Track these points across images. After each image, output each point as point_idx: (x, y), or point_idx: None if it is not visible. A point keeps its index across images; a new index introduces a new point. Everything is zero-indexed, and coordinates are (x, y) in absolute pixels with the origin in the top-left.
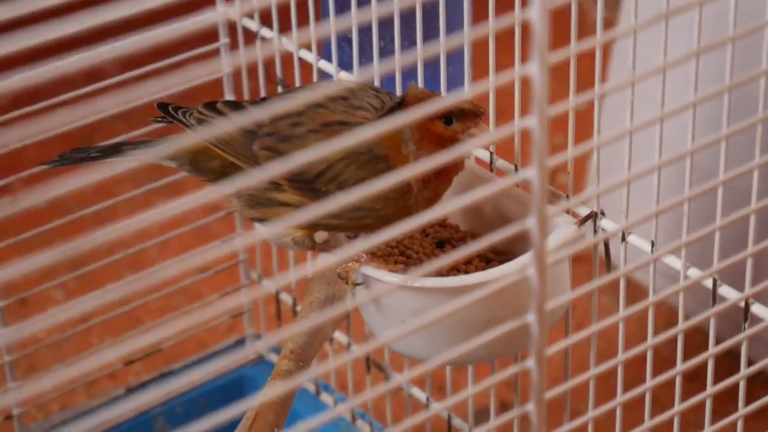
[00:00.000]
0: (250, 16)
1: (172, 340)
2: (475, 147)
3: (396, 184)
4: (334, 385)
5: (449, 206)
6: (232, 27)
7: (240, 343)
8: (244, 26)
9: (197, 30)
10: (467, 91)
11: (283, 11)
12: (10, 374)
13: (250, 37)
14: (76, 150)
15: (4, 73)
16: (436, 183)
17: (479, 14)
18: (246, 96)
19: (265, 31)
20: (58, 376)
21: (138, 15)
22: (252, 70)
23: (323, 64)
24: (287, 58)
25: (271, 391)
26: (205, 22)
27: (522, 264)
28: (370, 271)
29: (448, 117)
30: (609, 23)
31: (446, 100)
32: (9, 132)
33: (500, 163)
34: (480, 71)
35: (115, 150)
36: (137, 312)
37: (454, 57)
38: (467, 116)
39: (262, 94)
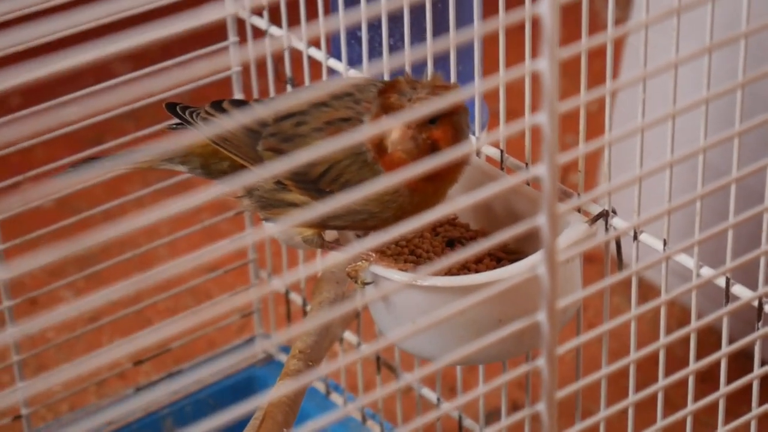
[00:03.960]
0: (259, 13)
1: (181, 339)
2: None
3: (385, 188)
4: (344, 385)
5: (456, 204)
6: (240, 25)
7: (250, 342)
8: (253, 24)
9: (205, 27)
10: (477, 87)
11: (292, 8)
12: (18, 374)
13: (259, 35)
14: (89, 160)
15: (12, 68)
16: (430, 182)
17: (489, 10)
18: (255, 95)
19: (274, 29)
20: (67, 372)
21: (145, 12)
22: (261, 69)
23: (332, 62)
24: (296, 56)
25: (280, 390)
26: (212, 18)
27: (533, 263)
28: (380, 270)
29: (386, 112)
30: (620, 22)
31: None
32: (17, 129)
33: (511, 161)
34: (490, 68)
35: (128, 158)
36: (146, 312)
37: (465, 54)
38: (389, 111)
39: (272, 92)
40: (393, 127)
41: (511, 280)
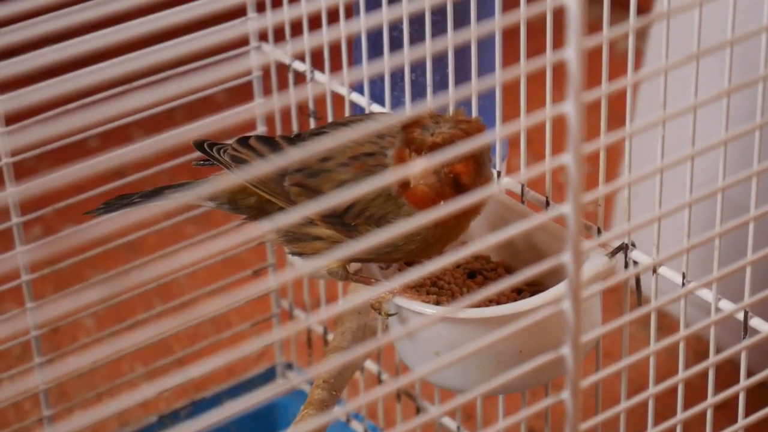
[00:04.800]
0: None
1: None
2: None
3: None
4: (364, 413)
5: (485, 242)
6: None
7: (271, 371)
8: (277, 60)
9: (230, 67)
10: (498, 131)
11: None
12: (44, 402)
13: (282, 69)
14: (120, 197)
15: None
16: (453, 215)
17: (511, 45)
18: (278, 125)
19: (297, 64)
20: (94, 415)
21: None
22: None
23: (355, 96)
24: (320, 89)
25: (310, 425)
26: (240, 65)
27: (555, 295)
28: (403, 302)
29: (409, 148)
30: (637, 53)
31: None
32: (48, 175)
33: (531, 194)
34: (511, 101)
35: (157, 194)
36: (167, 339)
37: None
38: (418, 149)
39: (294, 125)
40: (416, 161)
41: (537, 314)
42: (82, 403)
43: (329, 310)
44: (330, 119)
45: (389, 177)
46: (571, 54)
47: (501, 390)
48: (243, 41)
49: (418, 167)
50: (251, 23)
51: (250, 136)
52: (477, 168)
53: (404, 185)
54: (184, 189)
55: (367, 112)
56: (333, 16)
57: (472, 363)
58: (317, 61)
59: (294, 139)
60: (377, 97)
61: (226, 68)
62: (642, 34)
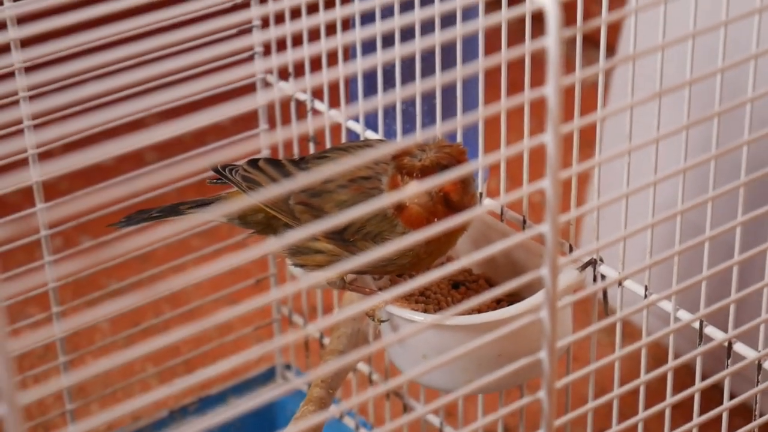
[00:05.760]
0: (285, 78)
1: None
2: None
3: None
4: (356, 410)
5: (471, 258)
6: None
7: (271, 371)
8: (280, 88)
9: (244, 104)
10: (482, 162)
11: (315, 69)
12: (68, 398)
13: (285, 98)
14: (140, 212)
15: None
16: (443, 232)
17: (492, 76)
18: (280, 148)
19: (299, 94)
20: (110, 415)
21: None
22: (286, 122)
23: (351, 124)
24: (318, 114)
25: (311, 421)
26: (252, 101)
27: (533, 304)
28: (395, 309)
29: (401, 173)
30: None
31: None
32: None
33: (510, 214)
34: (493, 127)
35: (174, 210)
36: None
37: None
38: (409, 173)
39: (295, 148)
40: (410, 184)
41: (518, 321)
42: (99, 399)
43: (328, 319)
44: (328, 144)
45: (386, 200)
46: (551, 91)
47: (482, 390)
48: (250, 72)
49: (411, 189)
50: (258, 65)
51: (260, 159)
52: (464, 187)
53: (400, 208)
54: (198, 205)
55: (362, 138)
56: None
57: (456, 365)
58: (317, 92)
59: (299, 162)
60: (371, 124)
61: (239, 104)
62: (609, 70)
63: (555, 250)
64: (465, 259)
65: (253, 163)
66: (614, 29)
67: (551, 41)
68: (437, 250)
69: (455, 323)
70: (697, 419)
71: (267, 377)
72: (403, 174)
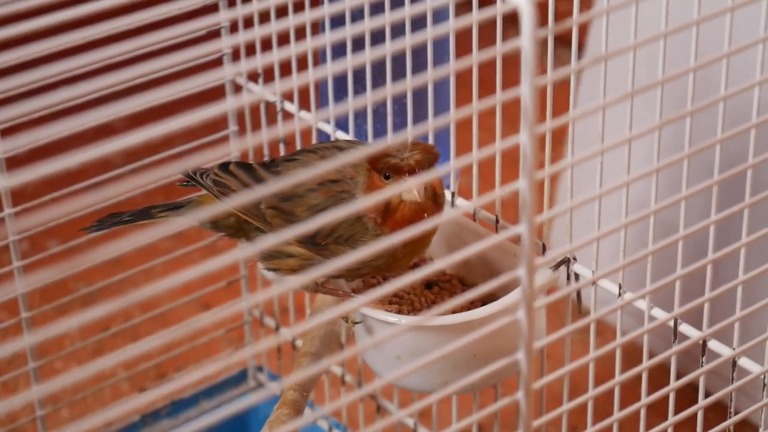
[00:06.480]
0: (255, 80)
1: (180, 371)
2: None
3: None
4: (329, 411)
5: (447, 261)
6: (237, 88)
7: (243, 373)
8: (249, 89)
9: (215, 109)
10: (454, 165)
11: (285, 71)
12: (38, 405)
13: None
14: (111, 215)
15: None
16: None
17: (464, 75)
18: (250, 149)
19: (268, 94)
20: (83, 425)
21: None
22: (256, 126)
23: (321, 125)
24: (288, 117)
25: (290, 426)
26: (211, 81)
27: (507, 304)
28: (369, 311)
29: (386, 173)
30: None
31: (379, 152)
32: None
33: (482, 213)
34: (466, 127)
35: (146, 214)
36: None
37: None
38: (398, 172)
39: (265, 150)
40: (410, 183)
41: (495, 322)
42: (70, 405)
43: (303, 326)
44: (299, 145)
45: (363, 203)
46: (526, 91)
47: (457, 390)
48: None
49: (410, 184)
50: (228, 68)
51: (230, 163)
52: (440, 182)
53: (387, 206)
54: (170, 209)
55: (332, 139)
56: (300, 37)
57: (431, 366)
58: (287, 93)
59: (269, 165)
60: (342, 124)
61: (209, 109)
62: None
63: (532, 249)
64: (442, 260)
65: (224, 167)
66: (583, 27)
67: (526, 41)
68: (414, 250)
69: (434, 324)
70: (672, 417)
71: (239, 379)
72: (389, 173)
